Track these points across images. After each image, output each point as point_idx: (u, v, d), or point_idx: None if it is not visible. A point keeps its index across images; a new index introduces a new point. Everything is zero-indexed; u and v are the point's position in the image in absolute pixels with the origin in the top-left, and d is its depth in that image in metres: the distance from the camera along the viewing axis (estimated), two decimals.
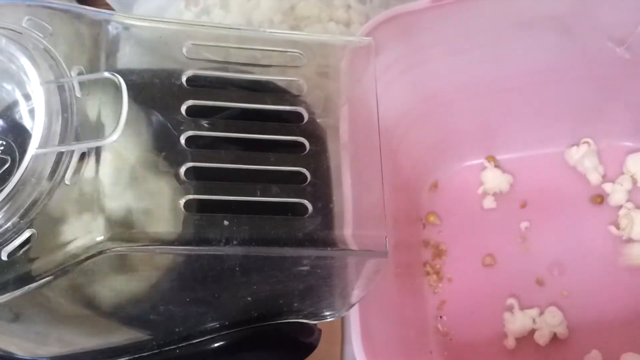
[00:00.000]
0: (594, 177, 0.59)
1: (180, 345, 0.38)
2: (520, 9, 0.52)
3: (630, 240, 0.57)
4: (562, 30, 0.53)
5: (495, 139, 0.62)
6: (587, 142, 0.60)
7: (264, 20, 0.61)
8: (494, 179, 0.61)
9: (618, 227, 0.58)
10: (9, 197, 0.30)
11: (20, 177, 0.30)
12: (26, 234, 0.30)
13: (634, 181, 0.59)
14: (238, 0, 0.61)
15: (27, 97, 0.34)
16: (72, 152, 0.31)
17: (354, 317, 0.44)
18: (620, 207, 0.58)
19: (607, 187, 0.59)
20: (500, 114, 0.60)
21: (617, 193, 0.58)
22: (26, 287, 0.31)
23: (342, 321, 0.57)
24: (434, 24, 0.52)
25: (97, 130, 0.32)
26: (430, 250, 0.61)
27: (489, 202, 0.61)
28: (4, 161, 0.33)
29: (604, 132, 0.60)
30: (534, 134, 0.62)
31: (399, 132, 0.58)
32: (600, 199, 0.59)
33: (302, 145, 0.35)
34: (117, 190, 0.32)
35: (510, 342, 0.56)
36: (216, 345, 0.38)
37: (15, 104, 0.35)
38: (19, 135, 0.34)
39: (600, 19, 0.52)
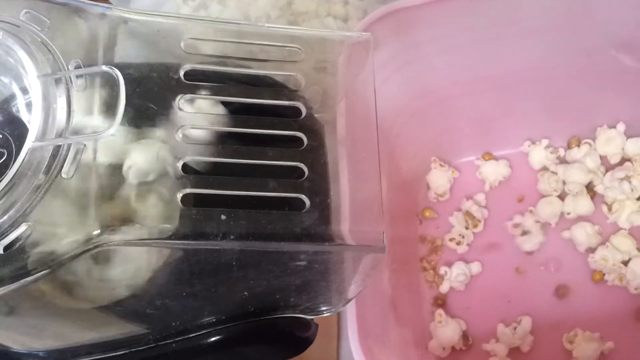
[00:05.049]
0: (597, 178, 0.59)
1: (176, 339, 0.38)
2: (518, 6, 0.52)
3: (615, 226, 0.58)
4: (561, 27, 0.53)
5: (492, 135, 0.62)
6: (588, 143, 0.60)
7: (261, 16, 0.61)
8: (490, 174, 0.61)
9: (610, 209, 0.58)
10: (5, 191, 0.30)
11: (17, 170, 0.30)
12: (22, 228, 0.30)
13: (627, 174, 0.59)
14: None
15: (24, 91, 0.34)
16: (69, 145, 0.31)
17: (350, 312, 0.44)
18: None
19: (599, 188, 0.59)
20: (497, 110, 0.60)
21: (609, 190, 0.58)
22: (22, 281, 0.31)
23: (339, 316, 0.57)
24: (432, 20, 0.52)
25: (94, 124, 0.32)
26: (426, 245, 0.61)
27: (485, 197, 0.61)
28: (1, 154, 0.33)
29: (602, 128, 0.60)
30: (530, 130, 0.62)
31: (395, 128, 0.58)
32: (592, 193, 0.59)
33: (300, 140, 0.35)
34: (114, 184, 0.32)
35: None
36: (213, 339, 0.38)
37: (12, 97, 0.35)
38: (16, 129, 0.34)
39: (600, 17, 0.52)
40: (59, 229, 0.31)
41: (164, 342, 0.38)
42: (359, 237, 0.35)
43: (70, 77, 0.32)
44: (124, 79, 0.32)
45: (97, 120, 0.32)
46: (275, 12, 0.60)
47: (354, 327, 0.44)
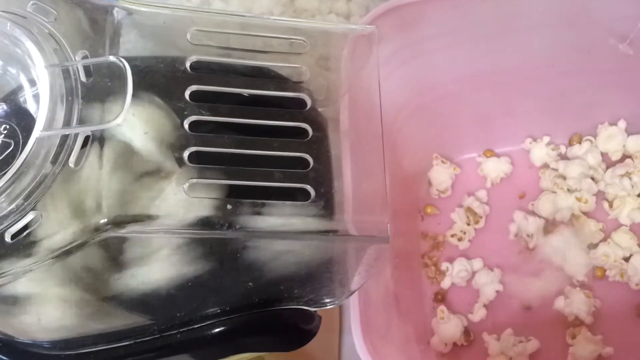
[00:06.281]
0: (598, 174, 0.60)
1: (181, 330, 0.38)
2: (518, 4, 0.53)
3: (616, 223, 0.58)
4: (563, 24, 0.53)
5: (493, 132, 0.62)
6: (589, 140, 0.60)
7: (263, 12, 0.61)
8: (492, 171, 0.62)
9: (611, 205, 0.58)
10: (13, 180, 0.30)
11: (24, 159, 0.30)
12: (30, 216, 0.31)
13: (628, 171, 0.59)
14: None
15: (31, 82, 0.34)
16: (76, 135, 0.31)
17: (353, 307, 0.44)
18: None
19: (600, 185, 0.59)
20: (499, 107, 0.60)
21: (610, 187, 0.59)
22: (29, 269, 0.31)
23: (341, 311, 0.57)
24: (434, 16, 0.52)
25: (101, 114, 0.32)
26: (428, 242, 0.61)
27: (487, 194, 0.62)
28: (8, 144, 0.33)
29: (603, 125, 0.60)
30: (532, 127, 0.62)
31: (397, 125, 0.58)
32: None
33: (305, 131, 0.35)
34: (121, 173, 0.32)
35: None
36: (217, 330, 0.38)
37: (19, 88, 0.35)
38: (23, 120, 0.34)
39: (601, 13, 0.52)
40: (66, 218, 0.31)
41: (168, 333, 0.39)
42: (363, 227, 0.35)
43: (77, 67, 0.32)
44: (131, 69, 0.32)
45: (104, 110, 0.33)
46: (278, 8, 0.61)
47: (357, 322, 0.44)
